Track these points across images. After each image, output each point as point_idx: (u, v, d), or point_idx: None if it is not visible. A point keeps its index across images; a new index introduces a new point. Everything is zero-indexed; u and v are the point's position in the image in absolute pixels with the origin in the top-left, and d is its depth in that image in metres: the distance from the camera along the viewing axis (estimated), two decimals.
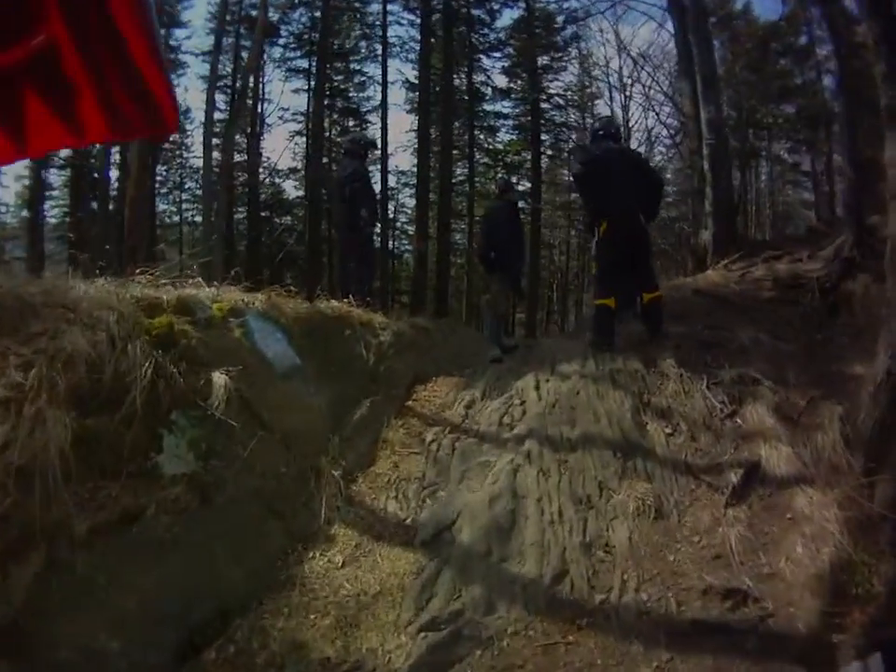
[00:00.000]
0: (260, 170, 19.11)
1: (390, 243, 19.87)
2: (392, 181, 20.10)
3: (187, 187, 21.76)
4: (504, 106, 20.85)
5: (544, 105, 19.65)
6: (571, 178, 6.40)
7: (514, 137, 20.84)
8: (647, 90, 17.13)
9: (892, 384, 3.44)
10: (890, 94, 3.42)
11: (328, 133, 18.86)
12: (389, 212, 19.41)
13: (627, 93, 19.17)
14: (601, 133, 5.41)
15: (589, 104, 21.43)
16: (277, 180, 20.28)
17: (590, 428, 4.12)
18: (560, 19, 17.84)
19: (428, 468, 3.91)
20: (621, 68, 24.37)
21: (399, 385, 4.73)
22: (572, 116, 21.12)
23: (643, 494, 3.58)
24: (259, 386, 3.52)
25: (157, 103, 1.19)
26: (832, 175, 15.30)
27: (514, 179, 19.14)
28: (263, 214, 19.15)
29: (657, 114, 16.98)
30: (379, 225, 9.46)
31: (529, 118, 19.32)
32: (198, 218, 18.65)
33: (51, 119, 1.17)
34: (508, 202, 6.44)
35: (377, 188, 16.57)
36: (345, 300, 5.13)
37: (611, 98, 20.23)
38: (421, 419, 4.47)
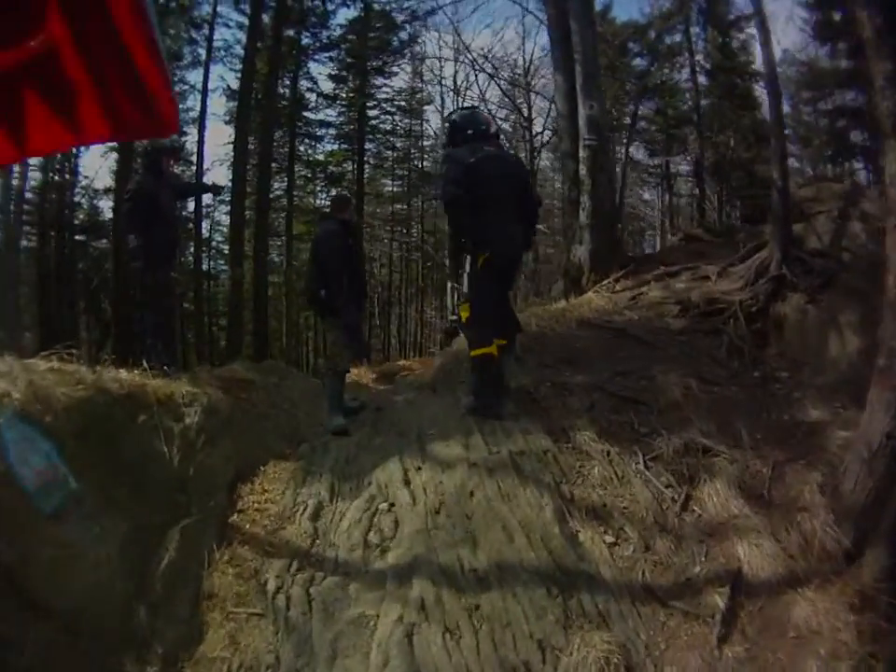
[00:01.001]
0: (78, 190, 20.08)
1: (206, 263, 21.43)
2: (208, 198, 21.38)
3: None
4: (328, 115, 22.71)
5: (371, 112, 22.12)
6: (440, 201, 5.92)
7: (337, 147, 22.91)
8: (482, 93, 19.10)
9: (892, 449, 3.33)
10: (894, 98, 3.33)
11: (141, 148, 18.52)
12: (204, 231, 21.06)
13: (462, 97, 21.35)
14: (470, 132, 4.95)
15: (419, 109, 24.06)
16: (96, 201, 21.12)
17: (503, 551, 3.46)
18: (400, 18, 20.18)
19: (281, 641, 3.16)
20: (456, 72, 27.73)
21: (217, 492, 4.12)
22: (399, 124, 23.59)
23: (604, 649, 2.94)
24: (18, 546, 2.96)
25: (156, 103, 1.43)
26: (702, 176, 17.07)
27: (335, 192, 20.45)
28: (79, 238, 20.31)
29: (493, 118, 18.03)
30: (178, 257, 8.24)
31: (354, 126, 21.60)
32: None
33: (51, 119, 1.41)
34: (343, 222, 5.54)
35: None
36: (144, 363, 4.81)
37: (443, 104, 22.59)
38: (255, 546, 3.79)
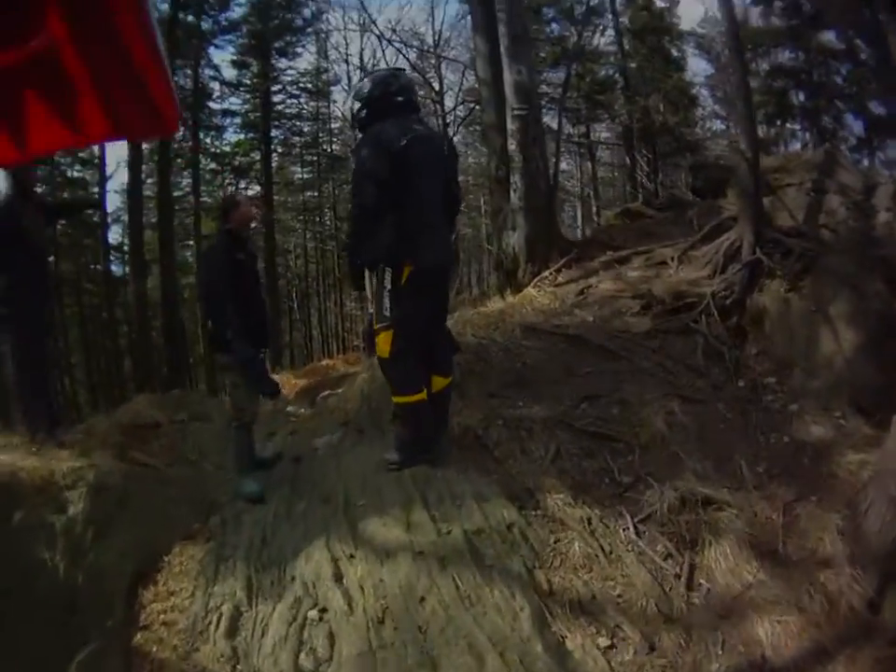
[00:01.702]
0: None
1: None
2: (118, 201, 21.31)
3: None
4: (233, 103, 22.78)
5: (276, 98, 22.49)
6: (356, 204, 4.09)
7: (243, 136, 23.03)
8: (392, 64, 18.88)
9: None
10: None
11: None
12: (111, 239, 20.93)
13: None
14: (401, 99, 3.98)
15: (325, 89, 24.56)
16: None
17: None
18: None
19: None
20: (363, 49, 28.41)
21: (115, 604, 3.41)
22: (305, 107, 24.06)
23: None
24: None
25: (157, 103, 1.45)
26: (632, 143, 16.70)
27: (243, 184, 21.93)
28: None
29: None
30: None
31: (259, 112, 21.73)
32: None
33: (52, 119, 1.43)
34: (229, 232, 4.54)
35: None
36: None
37: (349, 83, 22.71)
38: None
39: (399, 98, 3.93)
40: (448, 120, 18.98)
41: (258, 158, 22.04)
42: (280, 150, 24.32)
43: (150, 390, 14.25)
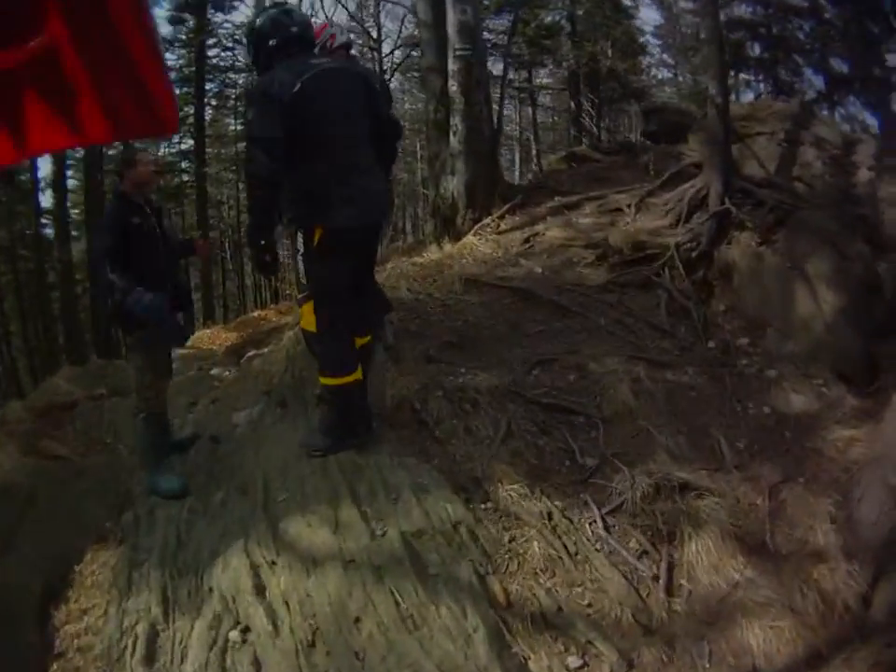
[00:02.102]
0: None
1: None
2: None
3: None
4: (168, 58, 22.03)
5: (212, 52, 22.15)
6: (247, 169, 4.05)
7: (178, 91, 22.55)
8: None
9: None
10: None
11: None
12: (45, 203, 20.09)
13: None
14: (298, 35, 3.33)
15: None
16: None
17: None
18: None
19: None
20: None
21: (26, 628, 3.06)
22: (239, 59, 23.07)
23: None
24: None
25: (156, 103, 1.51)
26: (578, 88, 16.17)
27: (176, 138, 21.62)
28: None
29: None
30: None
31: (193, 67, 21.54)
32: None
33: (51, 119, 1.47)
34: (122, 195, 3.83)
35: None
36: None
37: None
38: None
39: (294, 34, 3.28)
40: (385, 67, 18.33)
41: (191, 112, 21.36)
42: (214, 103, 24.06)
43: (80, 358, 13.57)
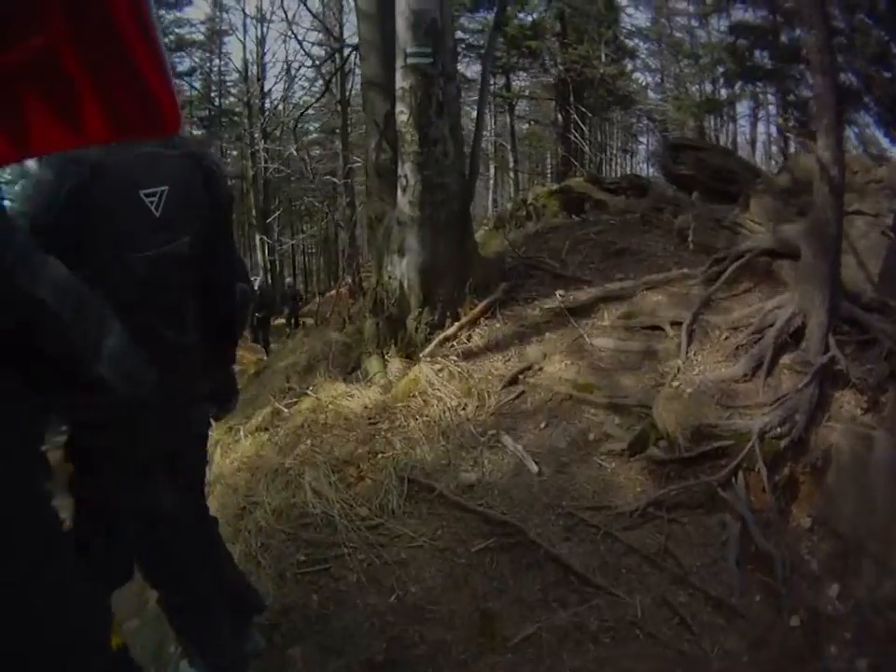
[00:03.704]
0: None
1: None
2: None
3: None
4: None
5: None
6: None
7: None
8: (290, 19, 17.83)
9: None
10: None
11: None
12: None
13: (266, 24, 20.69)
14: None
15: (218, 41, 23.25)
16: None
17: None
18: None
19: None
20: None
21: None
22: (196, 58, 22.87)
23: None
24: None
25: (158, 103, 1.32)
26: (567, 97, 13.91)
27: None
28: None
29: (300, 42, 17.02)
30: None
31: None
32: None
33: (52, 119, 1.31)
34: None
35: None
36: None
37: (245, 32, 22.14)
38: None
39: None
40: (347, 71, 16.34)
41: None
42: None
43: None
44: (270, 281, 18.17)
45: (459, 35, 15.30)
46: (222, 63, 23.74)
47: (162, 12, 20.24)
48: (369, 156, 5.18)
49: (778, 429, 2.94)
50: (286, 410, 4.38)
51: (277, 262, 23.62)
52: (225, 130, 23.82)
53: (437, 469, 3.34)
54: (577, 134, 15.09)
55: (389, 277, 4.73)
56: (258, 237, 20.59)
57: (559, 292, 4.55)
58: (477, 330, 4.43)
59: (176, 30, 21.06)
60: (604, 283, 4.59)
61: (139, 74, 1.25)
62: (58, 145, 1.53)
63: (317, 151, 22.17)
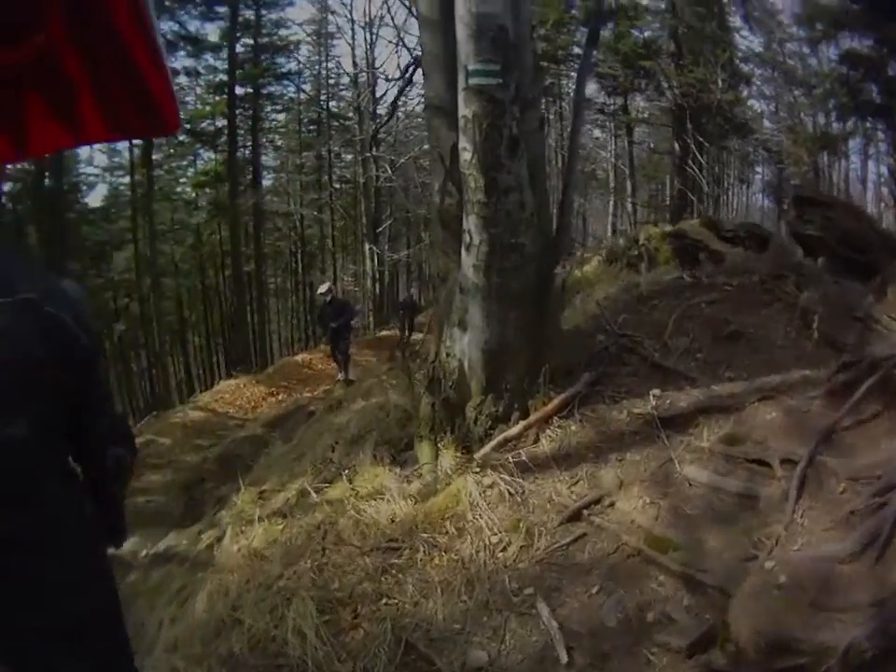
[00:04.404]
0: None
1: None
2: None
3: None
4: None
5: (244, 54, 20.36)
6: None
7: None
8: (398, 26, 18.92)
9: None
10: None
11: None
12: None
13: (375, 29, 19.95)
14: None
15: (327, 45, 23.36)
16: None
17: None
18: None
19: None
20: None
21: None
22: (302, 58, 22.96)
23: None
24: None
25: (157, 103, 1.48)
26: (683, 123, 12.86)
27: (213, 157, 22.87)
28: None
29: (409, 49, 16.92)
30: None
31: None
32: None
33: (51, 119, 1.46)
34: None
35: None
36: None
37: (353, 36, 21.13)
38: None
39: None
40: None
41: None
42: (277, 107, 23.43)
43: None
44: (340, 291, 17.78)
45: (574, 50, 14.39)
46: (330, 66, 24.06)
47: (264, 12, 20.52)
48: (433, 198, 4.22)
49: (866, 647, 1.98)
50: (313, 494, 3.82)
51: (387, 272, 23.47)
52: (335, 134, 23.63)
53: (445, 634, 2.60)
54: (694, 166, 13.83)
55: (448, 354, 3.88)
56: (367, 247, 20.30)
57: (654, 392, 3.61)
58: (548, 432, 3.58)
59: (280, 30, 21.29)
60: (710, 383, 3.63)
61: (139, 74, 1.40)
62: (58, 144, 1.63)
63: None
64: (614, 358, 4.01)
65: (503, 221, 3.48)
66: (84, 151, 20.82)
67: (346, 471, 3.98)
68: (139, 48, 1.36)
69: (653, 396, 3.57)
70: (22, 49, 1.30)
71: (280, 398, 14.05)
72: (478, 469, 3.33)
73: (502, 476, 3.26)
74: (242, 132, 21.39)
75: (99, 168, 22.50)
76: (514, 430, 3.54)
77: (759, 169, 23.07)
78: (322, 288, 11.45)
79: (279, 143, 24.91)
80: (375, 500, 3.42)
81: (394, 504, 3.36)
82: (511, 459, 3.36)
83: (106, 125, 1.47)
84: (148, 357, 20.79)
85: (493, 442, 3.51)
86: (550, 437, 3.52)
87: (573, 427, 3.54)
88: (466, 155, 3.46)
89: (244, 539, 3.61)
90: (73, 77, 1.39)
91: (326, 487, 3.89)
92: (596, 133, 20.60)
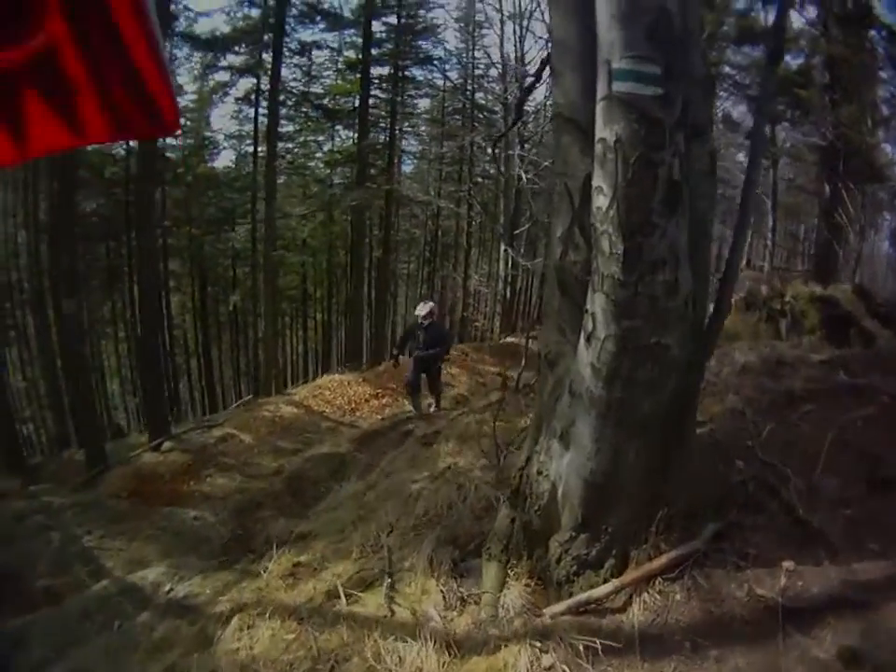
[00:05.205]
0: None
1: None
2: None
3: None
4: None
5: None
6: None
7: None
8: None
9: None
10: None
11: None
12: None
13: (526, 22, 19.18)
14: None
15: (475, 33, 22.59)
16: None
17: None
18: None
19: None
20: None
21: None
22: (449, 46, 23.23)
23: None
24: None
25: (157, 103, 1.49)
26: (836, 167, 11.49)
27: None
28: None
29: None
30: None
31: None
32: None
33: (52, 119, 1.47)
34: None
35: None
36: None
37: (503, 28, 20.38)
38: None
39: None
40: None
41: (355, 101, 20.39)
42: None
43: None
44: (439, 312, 15.82)
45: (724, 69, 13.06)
46: (478, 55, 23.18)
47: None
48: (552, 242, 3.11)
49: None
50: (343, 598, 3.22)
51: (520, 276, 22.71)
52: (480, 127, 22.61)
53: None
54: (843, 213, 12.37)
55: (540, 472, 2.99)
56: (502, 247, 19.47)
57: (787, 566, 2.66)
58: (644, 596, 2.68)
59: (421, 12, 20.76)
60: (851, 558, 2.67)
61: (139, 74, 1.41)
62: (58, 145, 1.71)
63: None
64: (750, 499, 3.06)
65: (644, 311, 2.43)
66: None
67: (391, 574, 3.28)
68: (139, 48, 1.37)
69: (786, 571, 2.63)
70: (22, 48, 1.32)
71: (384, 401, 13.21)
72: (539, 640, 2.47)
73: (567, 658, 2.42)
74: (384, 113, 21.09)
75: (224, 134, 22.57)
76: (603, 590, 2.70)
77: (887, 215, 21.73)
78: (422, 310, 9.34)
79: (422, 129, 24.54)
80: (404, 641, 2.63)
81: (423, 653, 2.58)
82: (583, 635, 2.49)
83: (107, 125, 1.47)
84: (255, 333, 20.78)
85: (572, 600, 2.69)
86: (645, 604, 2.65)
87: (677, 597, 2.66)
88: (601, 200, 2.37)
89: (247, 637, 3.07)
90: (73, 77, 1.41)
91: (359, 593, 3.27)
92: (740, 156, 19.46)
